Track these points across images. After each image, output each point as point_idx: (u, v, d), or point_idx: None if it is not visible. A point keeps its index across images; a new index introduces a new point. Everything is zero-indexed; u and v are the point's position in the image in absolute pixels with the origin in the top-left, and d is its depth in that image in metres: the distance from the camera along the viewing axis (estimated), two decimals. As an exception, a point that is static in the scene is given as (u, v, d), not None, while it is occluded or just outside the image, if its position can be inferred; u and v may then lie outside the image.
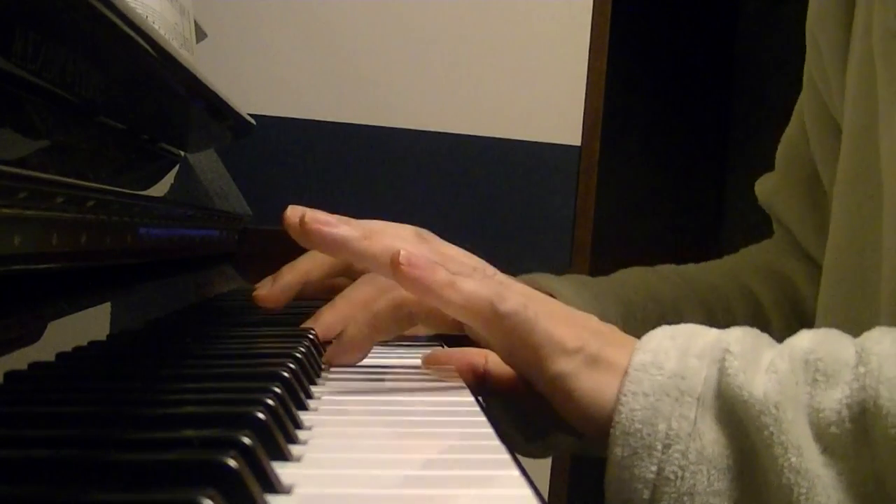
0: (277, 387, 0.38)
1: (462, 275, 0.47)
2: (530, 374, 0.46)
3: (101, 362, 0.48)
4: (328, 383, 0.49)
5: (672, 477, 0.40)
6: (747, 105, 3.12)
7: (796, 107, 0.75)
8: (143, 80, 0.64)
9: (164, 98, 0.71)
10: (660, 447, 0.40)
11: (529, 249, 1.79)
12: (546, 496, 0.43)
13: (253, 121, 0.90)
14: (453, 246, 0.56)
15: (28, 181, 0.41)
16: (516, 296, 0.46)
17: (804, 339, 0.42)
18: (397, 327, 0.51)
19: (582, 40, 1.82)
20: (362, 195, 1.75)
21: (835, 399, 0.39)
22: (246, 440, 0.28)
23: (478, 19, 1.78)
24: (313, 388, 0.46)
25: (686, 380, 0.41)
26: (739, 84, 3.19)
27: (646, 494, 0.40)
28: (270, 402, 0.34)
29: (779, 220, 0.78)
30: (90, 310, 0.53)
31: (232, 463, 0.26)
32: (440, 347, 0.64)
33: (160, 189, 0.69)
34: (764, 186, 0.80)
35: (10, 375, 0.40)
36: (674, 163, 3.20)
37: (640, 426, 0.41)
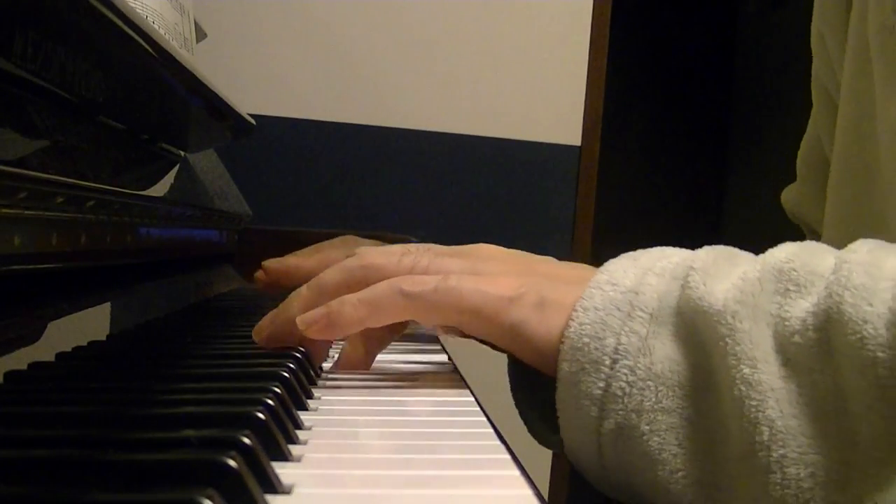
0: (277, 387, 0.38)
1: (402, 268, 0.47)
2: (490, 337, 0.45)
3: (101, 362, 0.48)
4: (328, 383, 0.49)
5: (619, 393, 0.38)
6: (747, 105, 3.12)
7: (812, 114, 0.74)
8: (143, 80, 0.64)
9: (164, 98, 0.71)
10: (608, 362, 0.39)
11: (529, 249, 1.78)
12: (546, 496, 0.43)
13: (253, 121, 0.90)
14: (382, 247, 0.53)
15: (28, 181, 0.41)
16: (434, 273, 0.45)
17: (783, 250, 0.39)
18: (393, 315, 0.48)
19: (582, 40, 1.82)
20: (362, 195, 1.75)
21: (802, 308, 0.36)
22: (246, 440, 0.28)
23: (478, 19, 1.78)
24: (313, 389, 0.46)
25: (640, 295, 0.39)
26: (739, 84, 3.19)
27: (594, 412, 0.39)
28: (270, 402, 0.34)
29: (810, 228, 0.77)
30: (90, 310, 0.53)
31: (232, 463, 0.26)
32: (441, 348, 0.64)
33: (160, 189, 0.69)
34: (789, 196, 0.78)
35: (10, 375, 0.40)
36: (674, 163, 3.20)
37: (588, 340, 0.39)
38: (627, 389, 0.38)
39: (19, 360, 0.42)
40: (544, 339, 0.42)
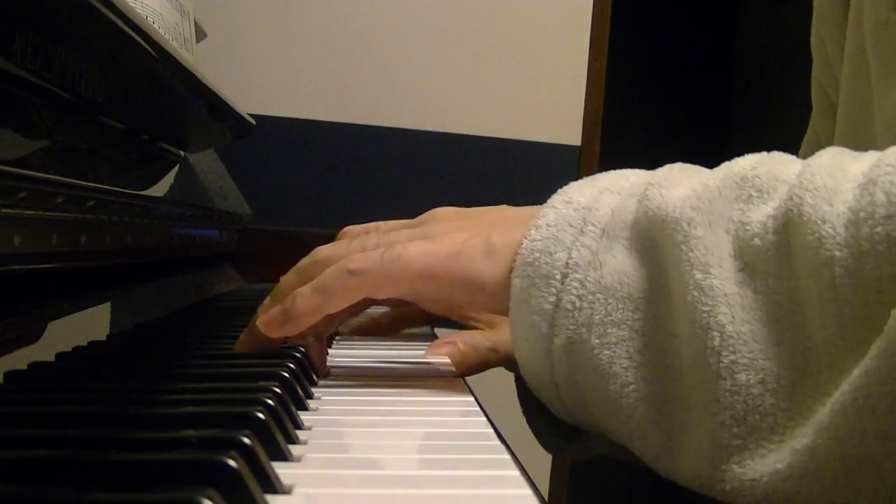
0: (277, 387, 0.38)
1: (348, 250, 0.47)
2: (442, 295, 0.44)
3: (101, 362, 0.48)
4: (328, 383, 0.49)
5: (569, 307, 0.38)
6: (747, 105, 3.12)
7: (812, 116, 0.74)
8: (143, 80, 0.64)
9: (164, 98, 0.71)
10: (558, 276, 0.38)
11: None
12: (546, 496, 0.43)
13: (253, 121, 0.90)
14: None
15: (28, 181, 0.41)
16: (373, 247, 0.45)
17: (747, 159, 0.39)
18: (346, 297, 0.47)
19: (582, 40, 1.82)
20: (362, 195, 1.75)
21: (763, 213, 0.35)
22: (246, 440, 0.28)
23: (478, 19, 1.78)
24: (313, 389, 0.46)
25: (594, 211, 0.39)
26: (739, 84, 3.19)
27: (544, 327, 0.39)
28: (270, 402, 0.34)
29: None
30: (90, 310, 0.53)
31: (232, 463, 0.26)
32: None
33: (160, 189, 0.69)
34: None
35: (10, 375, 0.40)
36: (674, 163, 3.20)
37: (538, 255, 0.39)
38: (577, 303, 0.38)
39: (19, 360, 0.42)
40: (494, 281, 0.42)
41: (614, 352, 0.37)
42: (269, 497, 0.27)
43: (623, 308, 0.37)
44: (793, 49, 2.43)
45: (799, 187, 0.34)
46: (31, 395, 0.39)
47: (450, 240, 0.44)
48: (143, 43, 0.53)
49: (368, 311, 0.65)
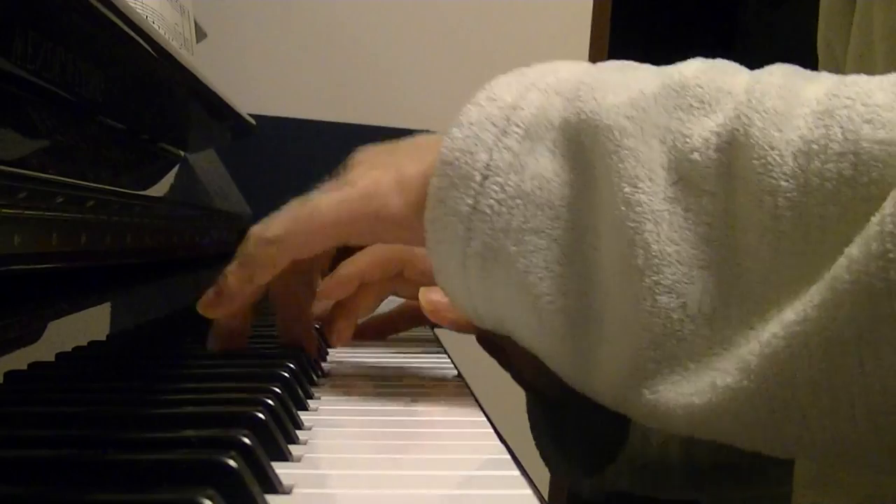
0: (277, 387, 0.38)
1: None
2: (364, 239, 0.45)
3: (101, 362, 0.48)
4: (328, 383, 0.49)
5: (487, 211, 0.36)
6: (747, 105, 3.12)
7: None
8: (143, 80, 0.64)
9: (164, 98, 0.71)
10: (478, 178, 0.36)
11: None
12: (546, 496, 0.43)
13: (253, 121, 0.90)
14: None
15: (28, 181, 0.41)
16: (286, 211, 0.45)
17: (690, 66, 0.36)
18: (272, 264, 0.47)
19: (582, 40, 1.82)
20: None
21: (706, 127, 0.33)
22: (246, 440, 0.28)
23: (478, 19, 1.78)
24: (313, 389, 0.46)
25: (518, 111, 0.37)
26: (739, 84, 3.18)
27: (460, 230, 0.37)
28: (270, 402, 0.34)
29: None
30: (90, 310, 0.53)
31: (232, 463, 0.26)
32: (442, 349, 0.64)
33: (160, 189, 0.69)
34: None
35: (10, 375, 0.40)
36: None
37: (458, 155, 0.37)
38: (496, 207, 0.36)
39: (19, 360, 0.42)
40: (406, 213, 0.41)
41: (531, 261, 0.35)
42: (269, 497, 0.27)
43: (542, 215, 0.35)
44: (793, 49, 2.43)
45: (747, 106, 0.32)
46: (31, 395, 0.39)
47: (363, 182, 0.43)
48: (143, 43, 0.53)
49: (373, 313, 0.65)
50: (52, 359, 0.45)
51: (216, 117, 0.81)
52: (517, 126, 0.37)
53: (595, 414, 0.43)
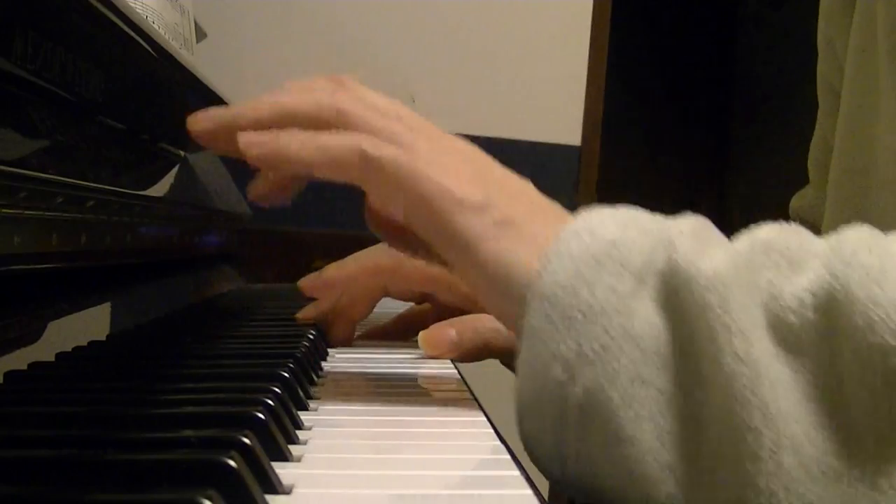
0: (277, 387, 0.38)
1: (374, 127, 0.42)
2: (429, 236, 0.41)
3: (101, 362, 0.48)
4: (328, 383, 0.49)
5: (591, 355, 0.33)
6: (747, 104, 3.12)
7: (818, 117, 0.73)
8: (143, 80, 0.64)
9: (164, 98, 0.71)
10: (581, 318, 0.34)
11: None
12: (546, 496, 0.43)
13: (253, 121, 0.90)
14: (377, 94, 0.46)
15: (28, 181, 0.41)
16: (407, 144, 0.41)
17: (768, 228, 0.36)
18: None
19: (582, 40, 1.82)
20: (362, 195, 1.75)
21: (799, 285, 0.33)
22: (246, 440, 0.28)
23: (478, 19, 1.78)
24: (313, 389, 0.46)
25: (622, 250, 0.35)
26: (739, 84, 3.19)
27: (560, 374, 0.34)
28: (270, 402, 0.34)
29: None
30: (90, 310, 0.53)
31: (232, 463, 0.26)
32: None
33: (160, 189, 0.69)
34: (802, 202, 0.74)
35: (10, 375, 0.40)
36: (674, 163, 3.21)
37: (559, 292, 0.34)
38: (601, 352, 0.34)
39: (19, 360, 0.42)
40: (494, 263, 0.38)
41: (637, 412, 0.33)
42: (269, 497, 0.27)
43: (651, 364, 0.34)
44: (793, 49, 2.43)
45: (841, 263, 0.33)
46: (31, 395, 0.39)
47: (468, 186, 0.40)
48: (143, 43, 0.53)
49: (376, 314, 0.65)
50: (52, 359, 0.45)
51: (216, 117, 0.81)
52: (621, 266, 0.35)
53: None
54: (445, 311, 0.63)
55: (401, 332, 0.67)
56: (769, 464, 0.32)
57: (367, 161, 0.41)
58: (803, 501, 0.32)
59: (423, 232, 0.41)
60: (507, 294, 0.37)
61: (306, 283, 0.63)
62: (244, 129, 0.43)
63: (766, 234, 0.36)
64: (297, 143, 0.42)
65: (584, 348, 0.34)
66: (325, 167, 0.42)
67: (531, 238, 0.38)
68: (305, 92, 0.45)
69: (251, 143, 0.42)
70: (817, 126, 0.73)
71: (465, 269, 0.39)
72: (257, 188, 0.47)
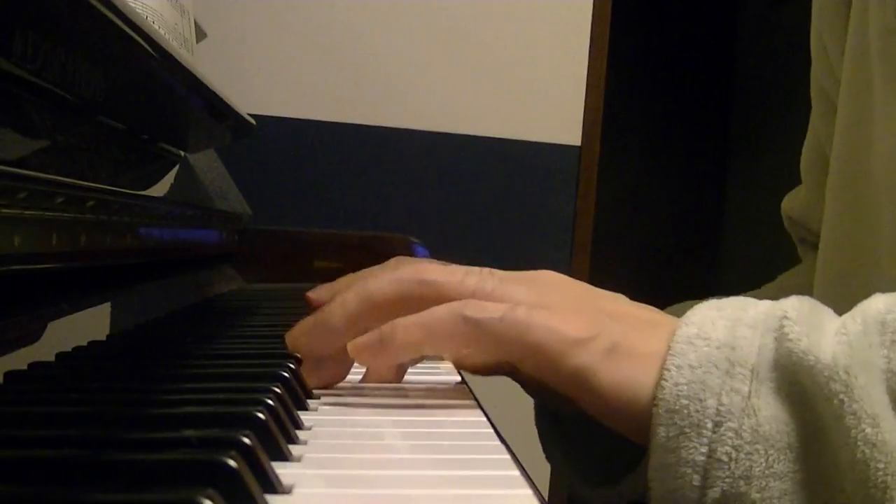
0: (277, 387, 0.38)
1: (465, 288, 0.42)
2: (545, 381, 0.41)
3: (101, 362, 0.48)
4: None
5: (725, 459, 0.35)
6: (747, 104, 3.12)
7: (811, 118, 0.73)
8: (143, 80, 0.64)
9: (164, 98, 0.71)
10: (710, 425, 0.35)
11: (529, 249, 1.79)
12: (546, 496, 0.43)
13: (253, 121, 0.90)
14: (441, 264, 0.47)
15: (28, 181, 0.41)
16: (499, 299, 0.41)
17: (878, 301, 0.37)
18: (451, 344, 0.43)
19: (582, 40, 1.82)
20: (362, 195, 1.75)
21: None
22: (246, 440, 0.28)
23: (478, 19, 1.78)
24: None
25: (737, 350, 0.36)
26: (739, 84, 3.19)
27: (696, 480, 0.35)
28: (270, 402, 0.34)
29: (813, 233, 0.72)
30: (90, 310, 0.53)
31: (232, 463, 0.26)
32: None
33: (160, 189, 0.69)
34: (794, 202, 0.74)
35: (10, 375, 0.40)
36: (674, 163, 3.21)
37: (686, 402, 0.36)
38: (734, 454, 0.35)
39: (19, 360, 0.42)
40: (613, 390, 0.38)
41: None
42: (269, 497, 0.27)
43: (784, 459, 0.34)
44: (793, 49, 2.43)
45: None
46: (31, 395, 0.39)
47: (573, 323, 0.40)
48: (143, 43, 0.53)
49: None
50: (52, 359, 0.45)
51: (216, 117, 0.81)
52: (741, 367, 0.36)
53: None
54: None
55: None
56: None
57: (475, 325, 0.40)
58: None
59: (538, 374, 0.41)
60: (632, 415, 0.38)
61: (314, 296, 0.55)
62: (338, 328, 0.44)
63: (877, 310, 0.36)
64: (401, 331, 0.42)
65: (718, 453, 0.35)
66: (433, 345, 0.42)
67: (645, 357, 0.38)
68: (377, 276, 0.45)
69: (359, 349, 0.43)
70: (810, 128, 0.73)
71: (586, 400, 0.40)
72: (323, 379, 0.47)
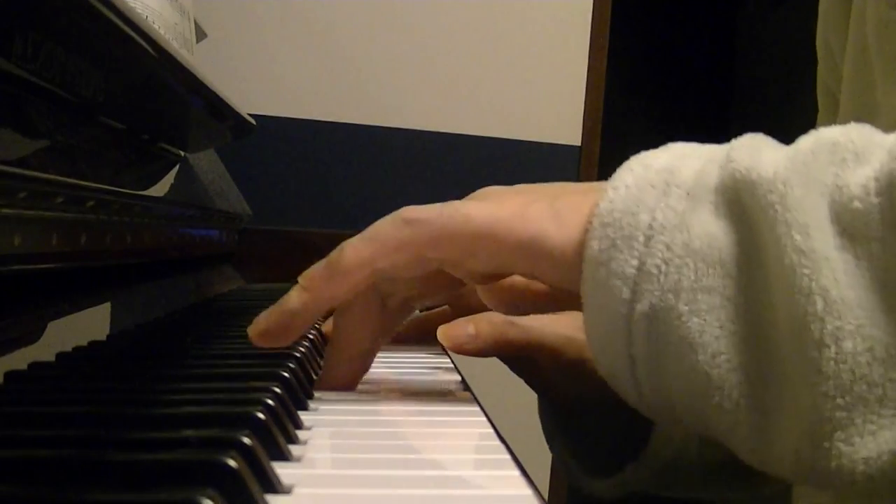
0: (277, 387, 0.38)
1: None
2: (503, 265, 0.41)
3: (101, 362, 0.48)
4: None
5: (654, 271, 0.35)
6: (747, 104, 3.12)
7: (818, 120, 0.73)
8: (143, 80, 0.64)
9: (164, 98, 0.71)
10: (641, 238, 0.35)
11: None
12: (546, 496, 0.43)
13: (253, 121, 0.90)
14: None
15: (28, 181, 0.41)
16: (439, 207, 0.41)
17: (834, 128, 0.36)
18: (399, 249, 0.42)
19: (582, 40, 1.82)
20: (362, 195, 1.75)
21: (863, 175, 0.33)
22: (246, 440, 0.28)
23: (478, 19, 1.78)
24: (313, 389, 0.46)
25: (676, 174, 0.36)
26: (739, 84, 3.19)
27: (625, 293, 0.35)
28: (270, 402, 0.34)
29: None
30: (90, 310, 0.53)
31: (232, 463, 0.26)
32: (441, 350, 0.64)
33: (160, 189, 0.69)
34: None
35: (10, 375, 0.40)
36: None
37: (619, 216, 0.36)
38: (663, 267, 0.34)
39: (19, 360, 0.42)
40: (564, 247, 0.38)
41: (704, 319, 0.34)
42: (269, 497, 0.27)
43: (713, 273, 0.34)
44: (793, 49, 2.43)
45: None
46: (31, 395, 0.39)
47: (511, 203, 0.40)
48: (143, 43, 0.53)
49: None
50: (52, 359, 0.45)
51: (216, 117, 0.81)
52: (677, 187, 0.36)
53: (618, 414, 0.42)
54: (463, 314, 0.62)
55: (417, 337, 0.64)
56: (833, 349, 0.32)
57: (413, 225, 0.41)
58: (869, 384, 0.32)
59: (491, 261, 0.41)
60: (573, 261, 0.38)
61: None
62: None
63: (831, 133, 0.36)
64: (349, 249, 0.42)
65: (648, 266, 0.35)
66: (383, 256, 0.42)
67: (581, 213, 0.38)
68: (371, 240, 0.43)
69: (312, 279, 0.43)
70: (817, 127, 0.72)
71: (545, 269, 0.40)
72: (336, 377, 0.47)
